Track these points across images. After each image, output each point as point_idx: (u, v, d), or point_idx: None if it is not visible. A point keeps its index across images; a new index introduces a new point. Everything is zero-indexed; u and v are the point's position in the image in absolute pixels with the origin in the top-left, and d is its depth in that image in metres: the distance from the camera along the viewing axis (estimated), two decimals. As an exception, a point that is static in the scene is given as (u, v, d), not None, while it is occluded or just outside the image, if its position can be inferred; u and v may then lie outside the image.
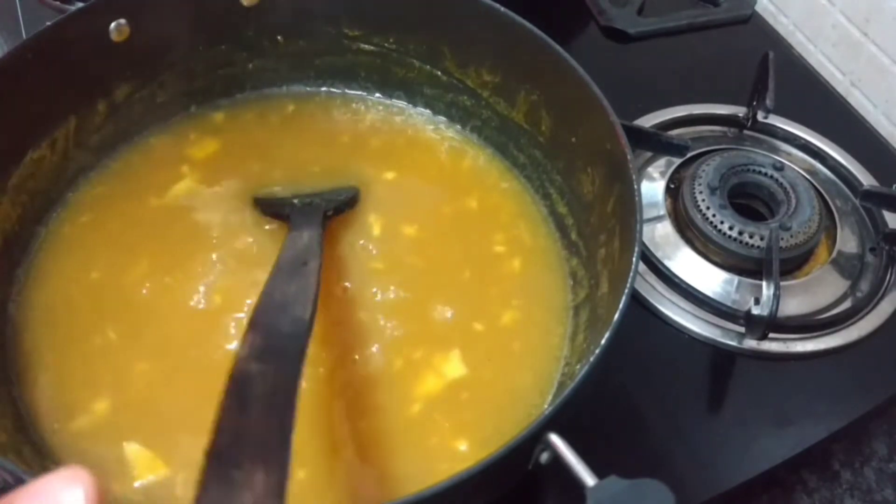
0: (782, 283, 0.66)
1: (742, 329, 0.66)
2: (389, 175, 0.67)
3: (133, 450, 0.51)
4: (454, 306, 0.59)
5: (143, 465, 0.50)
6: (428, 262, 0.62)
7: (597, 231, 0.58)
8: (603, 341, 0.44)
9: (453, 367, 0.56)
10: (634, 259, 0.48)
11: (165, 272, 0.59)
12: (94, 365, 0.55)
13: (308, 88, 0.72)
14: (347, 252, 0.62)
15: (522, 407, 0.55)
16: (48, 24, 0.58)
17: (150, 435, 0.51)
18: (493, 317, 0.59)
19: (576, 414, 0.42)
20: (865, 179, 0.80)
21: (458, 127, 0.71)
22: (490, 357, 0.57)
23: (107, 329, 0.56)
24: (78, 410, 0.53)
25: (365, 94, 0.73)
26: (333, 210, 0.61)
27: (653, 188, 0.76)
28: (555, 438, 0.40)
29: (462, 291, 0.60)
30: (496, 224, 0.65)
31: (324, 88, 0.73)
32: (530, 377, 0.57)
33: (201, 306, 0.58)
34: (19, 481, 0.40)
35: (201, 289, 0.58)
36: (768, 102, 0.79)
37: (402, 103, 0.72)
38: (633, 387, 0.63)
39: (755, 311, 0.63)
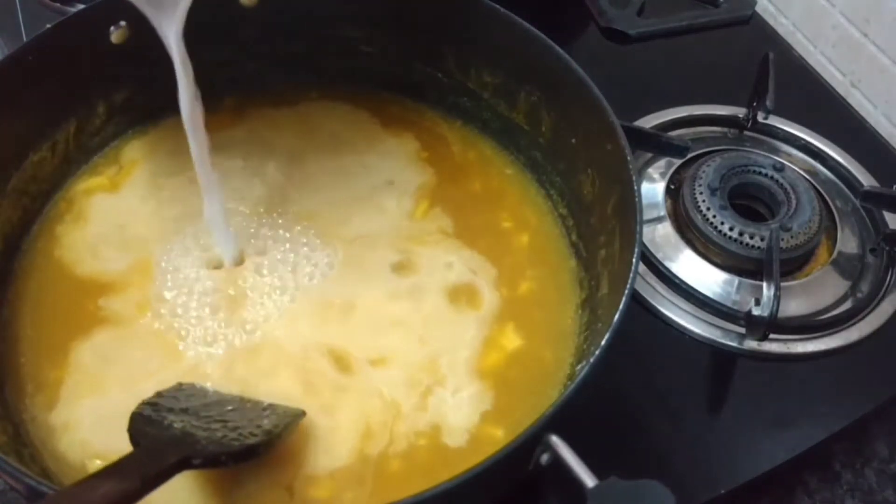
0: (783, 284, 0.66)
1: (742, 330, 0.66)
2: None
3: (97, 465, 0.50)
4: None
5: None
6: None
7: (597, 232, 0.59)
8: (603, 342, 0.44)
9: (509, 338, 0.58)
10: (634, 260, 0.48)
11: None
12: (74, 359, 0.55)
13: (307, 89, 0.72)
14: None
15: (544, 394, 0.55)
16: (48, 26, 0.58)
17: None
18: (513, 285, 0.61)
19: (576, 415, 0.42)
20: (866, 180, 0.80)
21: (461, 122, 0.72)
22: (520, 325, 0.59)
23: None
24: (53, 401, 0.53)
25: (365, 95, 0.73)
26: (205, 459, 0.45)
27: (653, 189, 0.76)
28: (555, 439, 0.41)
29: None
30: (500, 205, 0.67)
31: (323, 88, 0.73)
32: (550, 354, 0.57)
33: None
34: (20, 484, 0.40)
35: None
36: (768, 103, 0.79)
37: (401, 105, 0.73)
38: (634, 388, 0.63)
39: (755, 311, 0.63)
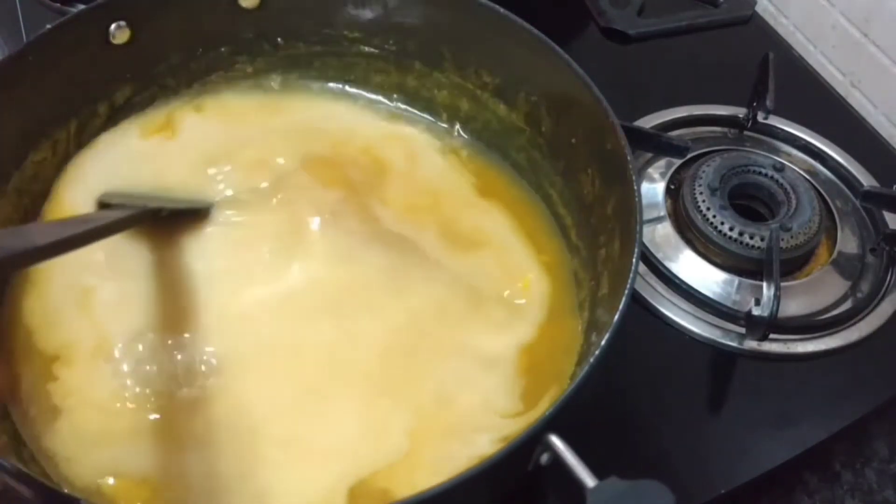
0: (783, 284, 0.66)
1: (742, 330, 0.66)
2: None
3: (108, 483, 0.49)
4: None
5: (125, 493, 0.48)
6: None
7: (597, 232, 0.58)
8: (603, 342, 0.44)
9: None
10: (634, 260, 0.48)
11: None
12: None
13: (310, 86, 0.72)
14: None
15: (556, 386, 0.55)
16: (49, 26, 0.58)
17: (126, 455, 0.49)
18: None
19: (576, 415, 0.43)
20: (866, 180, 0.80)
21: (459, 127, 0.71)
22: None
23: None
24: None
25: (364, 95, 0.73)
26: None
27: (653, 189, 0.76)
28: (555, 440, 0.40)
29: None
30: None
31: (323, 89, 0.73)
32: (560, 346, 0.57)
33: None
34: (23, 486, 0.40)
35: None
36: (768, 103, 0.79)
37: (402, 106, 0.72)
38: (634, 388, 0.63)
39: (756, 311, 0.63)
